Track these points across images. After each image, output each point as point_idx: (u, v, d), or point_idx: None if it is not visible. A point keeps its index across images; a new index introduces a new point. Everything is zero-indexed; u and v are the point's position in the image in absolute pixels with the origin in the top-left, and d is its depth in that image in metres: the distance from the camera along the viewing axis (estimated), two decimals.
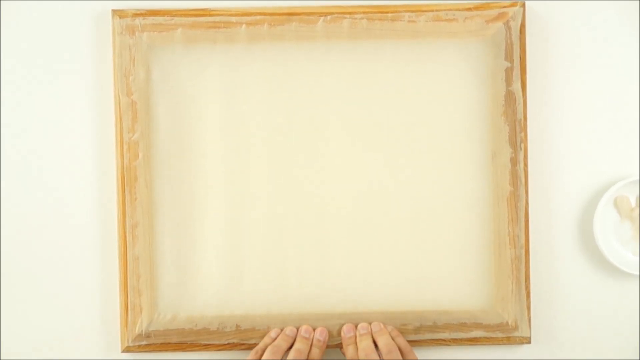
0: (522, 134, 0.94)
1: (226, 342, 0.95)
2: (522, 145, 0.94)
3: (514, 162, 0.94)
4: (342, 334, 0.93)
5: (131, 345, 0.95)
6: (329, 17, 0.94)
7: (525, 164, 0.94)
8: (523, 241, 0.94)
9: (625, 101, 0.95)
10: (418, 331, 0.95)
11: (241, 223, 0.95)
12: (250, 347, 0.95)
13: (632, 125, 0.95)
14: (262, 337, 0.95)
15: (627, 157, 0.96)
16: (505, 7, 0.93)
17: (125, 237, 0.94)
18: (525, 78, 0.94)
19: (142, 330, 0.94)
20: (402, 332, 0.94)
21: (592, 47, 0.95)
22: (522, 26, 0.93)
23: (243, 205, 0.95)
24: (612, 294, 0.96)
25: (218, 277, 0.95)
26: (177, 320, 0.95)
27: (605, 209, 0.94)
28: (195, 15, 0.93)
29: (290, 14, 0.93)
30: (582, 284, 0.96)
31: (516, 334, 0.95)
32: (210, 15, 0.93)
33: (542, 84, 0.95)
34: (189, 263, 0.95)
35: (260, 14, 0.93)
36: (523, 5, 0.93)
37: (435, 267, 0.96)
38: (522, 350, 0.96)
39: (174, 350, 0.95)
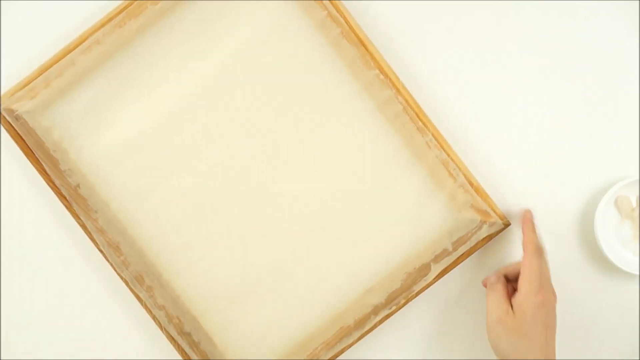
0: None
1: None
2: None
3: None
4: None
5: None
6: None
7: None
8: None
9: (625, 101, 0.95)
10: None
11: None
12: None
13: (631, 125, 0.95)
14: None
15: (627, 157, 0.96)
16: None
17: None
18: None
19: None
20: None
21: (592, 47, 0.95)
22: None
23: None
24: (612, 294, 0.96)
25: None
26: None
27: (606, 209, 0.94)
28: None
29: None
30: (582, 284, 0.96)
31: None
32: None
33: (542, 83, 0.95)
34: None
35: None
36: None
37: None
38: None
39: None
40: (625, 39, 0.95)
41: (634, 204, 0.95)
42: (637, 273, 0.94)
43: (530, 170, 0.96)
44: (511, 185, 0.96)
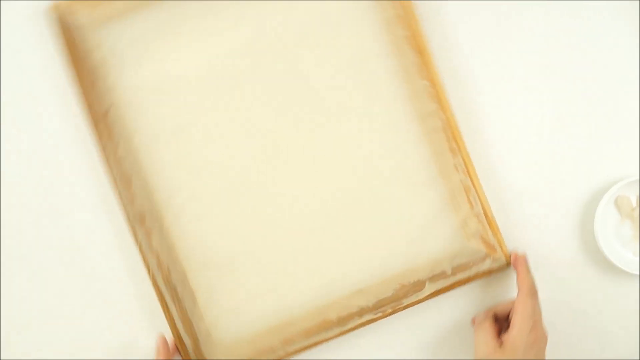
0: None
1: None
2: None
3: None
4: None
5: None
6: None
7: None
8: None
9: (625, 101, 0.95)
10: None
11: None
12: None
13: (631, 125, 0.96)
14: None
15: (627, 157, 0.96)
16: None
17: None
18: None
19: None
20: (418, 285, 0.94)
21: (592, 47, 0.95)
22: None
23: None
24: (612, 294, 0.96)
25: None
26: None
27: (605, 209, 0.94)
28: None
29: None
30: (582, 284, 0.96)
31: None
32: None
33: (542, 82, 0.95)
34: None
35: None
36: None
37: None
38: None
39: None
40: (625, 39, 0.95)
41: (634, 203, 0.95)
42: (637, 273, 0.94)
43: (530, 170, 0.95)
44: (510, 187, 0.95)
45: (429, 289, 0.93)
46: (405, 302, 0.94)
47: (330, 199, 0.95)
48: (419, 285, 0.94)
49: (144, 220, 0.93)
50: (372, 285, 0.94)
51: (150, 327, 0.96)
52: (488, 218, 0.93)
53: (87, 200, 0.96)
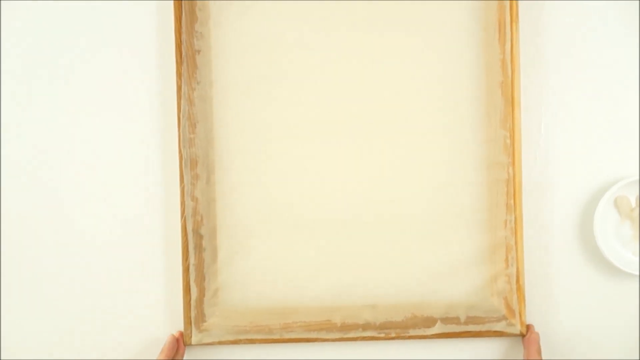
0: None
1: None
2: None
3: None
4: None
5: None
6: None
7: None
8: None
9: (625, 101, 0.95)
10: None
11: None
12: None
13: (631, 125, 0.96)
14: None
15: (627, 157, 0.96)
16: None
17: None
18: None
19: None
20: (429, 321, 0.94)
21: (592, 46, 0.95)
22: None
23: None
24: (612, 294, 0.96)
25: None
26: None
27: (605, 209, 0.95)
28: None
29: None
30: (582, 284, 0.96)
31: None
32: None
33: (541, 83, 0.95)
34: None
35: None
36: None
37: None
38: (519, 347, 0.97)
39: None
40: (625, 39, 0.95)
41: (633, 204, 0.95)
42: (637, 273, 0.94)
43: (531, 170, 0.96)
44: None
45: (438, 328, 0.94)
46: (412, 332, 0.94)
47: (375, 209, 0.95)
48: (430, 321, 0.94)
49: (195, 166, 0.94)
50: (386, 305, 0.95)
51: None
52: (518, 283, 0.93)
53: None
